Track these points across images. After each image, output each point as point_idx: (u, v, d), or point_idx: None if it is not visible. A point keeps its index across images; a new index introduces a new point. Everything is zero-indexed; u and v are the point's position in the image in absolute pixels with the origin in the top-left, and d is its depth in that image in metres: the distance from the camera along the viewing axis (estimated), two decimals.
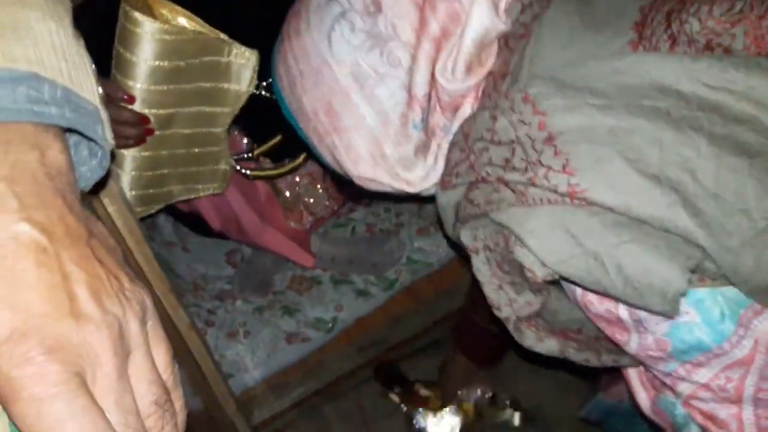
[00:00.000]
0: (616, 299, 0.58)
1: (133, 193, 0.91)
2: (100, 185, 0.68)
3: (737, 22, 0.54)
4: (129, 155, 0.87)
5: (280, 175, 1.19)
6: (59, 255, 0.30)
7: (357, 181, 0.70)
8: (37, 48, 0.34)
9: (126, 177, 0.89)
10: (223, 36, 0.84)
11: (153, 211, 0.98)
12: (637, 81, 0.55)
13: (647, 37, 0.57)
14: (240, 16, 1.03)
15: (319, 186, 1.32)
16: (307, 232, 1.39)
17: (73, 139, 0.38)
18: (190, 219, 1.29)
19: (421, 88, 0.64)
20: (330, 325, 1.31)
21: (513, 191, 0.58)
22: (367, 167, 0.67)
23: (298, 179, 1.29)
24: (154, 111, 0.83)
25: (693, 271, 0.54)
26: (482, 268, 0.65)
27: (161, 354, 0.34)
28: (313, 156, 0.74)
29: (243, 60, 0.86)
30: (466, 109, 0.66)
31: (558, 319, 0.67)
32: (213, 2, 0.93)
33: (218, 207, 1.22)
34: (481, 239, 0.64)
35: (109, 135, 0.37)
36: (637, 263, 0.54)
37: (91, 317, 0.29)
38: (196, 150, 0.94)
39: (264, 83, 0.92)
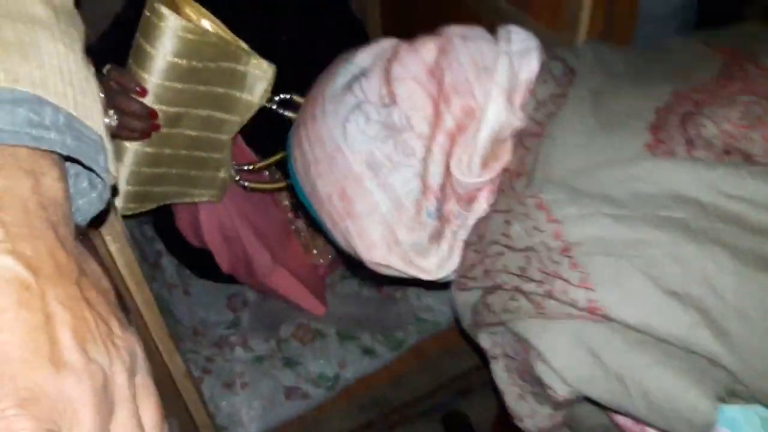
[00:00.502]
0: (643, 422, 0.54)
1: (129, 188, 0.90)
2: (100, 220, 0.66)
3: (754, 126, 0.53)
4: (131, 149, 0.86)
5: (277, 190, 1.18)
6: (44, 293, 0.27)
7: (370, 266, 0.70)
8: (42, 69, 0.32)
9: (124, 170, 0.88)
10: (244, 45, 0.85)
11: (144, 209, 0.96)
12: (653, 189, 0.54)
13: (663, 140, 0.55)
14: (265, 32, 1.04)
15: None
16: (325, 270, 1.35)
17: (73, 169, 0.35)
18: (197, 258, 1.26)
19: (435, 179, 0.64)
20: (331, 382, 1.25)
21: (531, 302, 0.57)
22: (380, 253, 0.67)
23: None
24: (164, 107, 0.83)
25: (722, 398, 0.50)
26: (502, 376, 0.63)
27: (150, 412, 0.30)
28: (326, 237, 0.74)
29: (259, 72, 0.87)
30: (482, 203, 0.66)
31: (584, 426, 0.64)
32: (242, 16, 0.95)
33: (229, 243, 1.19)
34: (500, 345, 0.62)
35: (112, 167, 0.35)
36: (662, 388, 0.51)
37: (73, 366, 0.26)
38: (199, 153, 0.94)
39: (276, 98, 0.93)
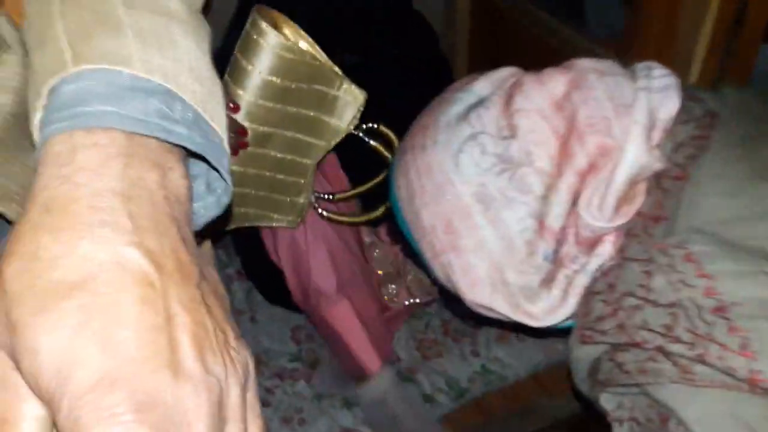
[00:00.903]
0: None
1: None
2: (214, 232, 0.66)
3: None
4: None
5: (354, 224, 1.15)
6: (167, 292, 0.24)
7: (470, 306, 0.66)
8: (175, 64, 0.31)
9: None
10: (337, 69, 0.85)
11: (224, 228, 0.95)
12: None
13: None
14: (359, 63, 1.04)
15: None
16: (397, 315, 1.29)
17: (191, 171, 0.34)
18: (272, 280, 1.22)
19: (558, 221, 0.60)
20: None
21: (676, 365, 0.52)
22: (484, 293, 0.64)
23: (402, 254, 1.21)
24: (254, 125, 0.83)
25: None
26: None
27: None
28: (422, 267, 0.72)
29: (350, 97, 0.87)
30: (607, 247, 0.62)
31: None
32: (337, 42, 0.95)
33: (298, 261, 1.14)
34: (627, 409, 0.57)
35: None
36: None
37: (191, 375, 0.23)
38: (283, 177, 0.94)
39: (364, 126, 0.92)
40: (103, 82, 0.28)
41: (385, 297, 1.29)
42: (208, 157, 0.31)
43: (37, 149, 0.28)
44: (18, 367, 0.23)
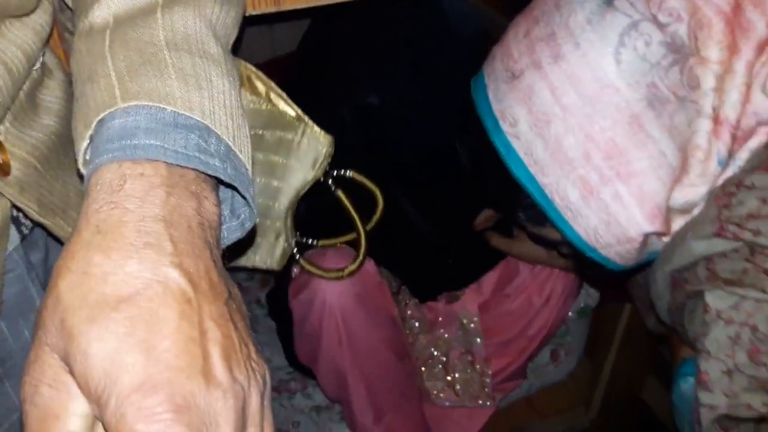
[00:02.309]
0: None
1: None
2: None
3: None
4: None
5: (324, 278, 1.05)
6: (201, 309, 0.28)
7: (639, 243, 0.56)
8: (212, 101, 0.34)
9: None
10: (304, 116, 0.83)
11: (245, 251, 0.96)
12: None
13: None
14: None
15: (478, 366, 1.17)
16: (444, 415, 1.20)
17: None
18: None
19: (734, 110, 0.52)
20: None
21: None
22: (662, 219, 0.54)
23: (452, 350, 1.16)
24: None
25: None
26: (723, 341, 0.52)
27: None
28: (544, 242, 0.61)
29: (315, 143, 0.86)
30: (760, 139, 0.54)
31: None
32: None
33: (335, 372, 1.09)
34: (745, 313, 0.51)
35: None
36: None
37: (221, 382, 0.27)
38: (258, 220, 0.93)
39: (334, 173, 0.89)
40: (149, 117, 0.32)
41: (430, 391, 1.20)
42: (238, 187, 0.34)
43: (87, 175, 0.31)
44: (70, 370, 0.26)
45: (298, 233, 0.98)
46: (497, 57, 0.62)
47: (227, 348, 0.28)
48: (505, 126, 0.59)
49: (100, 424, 0.27)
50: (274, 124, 0.83)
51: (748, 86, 0.52)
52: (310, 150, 0.86)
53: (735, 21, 0.51)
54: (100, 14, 0.37)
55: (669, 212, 0.55)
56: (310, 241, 1.02)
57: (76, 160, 0.34)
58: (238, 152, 0.35)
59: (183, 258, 0.28)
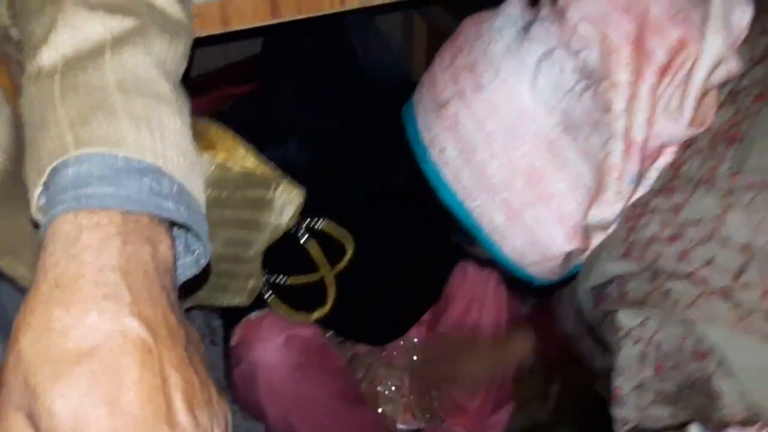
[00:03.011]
0: None
1: None
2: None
3: None
4: None
5: (292, 316, 1.05)
6: (161, 357, 0.29)
7: (555, 262, 0.59)
8: (164, 142, 0.35)
9: None
10: (274, 172, 0.83)
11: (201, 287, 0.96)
12: None
13: None
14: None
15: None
16: None
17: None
18: None
19: (640, 131, 0.54)
20: None
21: (736, 311, 0.48)
22: (581, 237, 0.56)
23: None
24: None
25: None
26: (632, 357, 0.54)
27: None
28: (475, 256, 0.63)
29: (288, 197, 0.86)
30: (666, 159, 0.57)
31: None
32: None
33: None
34: (651, 330, 0.53)
35: None
36: None
37: (185, 428, 0.28)
38: (227, 266, 0.93)
39: (305, 223, 0.91)
40: (101, 164, 0.32)
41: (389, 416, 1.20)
42: (192, 226, 0.35)
43: (43, 225, 0.32)
44: (37, 428, 0.27)
45: (266, 270, 0.99)
46: (425, 86, 0.64)
47: (189, 393, 0.29)
48: (434, 154, 0.60)
49: None
50: (245, 183, 0.83)
51: (653, 109, 0.54)
52: (280, 204, 0.87)
53: (639, 47, 0.54)
54: (48, 56, 0.36)
55: (588, 230, 0.57)
56: (278, 279, 1.02)
57: (27, 201, 0.34)
58: (191, 190, 0.36)
59: (141, 306, 0.29)
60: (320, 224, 0.94)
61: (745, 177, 0.50)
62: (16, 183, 0.44)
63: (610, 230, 0.58)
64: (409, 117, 0.65)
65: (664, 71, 0.54)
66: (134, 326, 0.28)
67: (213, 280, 0.94)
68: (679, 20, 0.54)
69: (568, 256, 0.59)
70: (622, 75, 0.53)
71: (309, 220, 0.91)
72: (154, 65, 0.38)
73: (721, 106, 0.56)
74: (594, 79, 0.54)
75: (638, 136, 0.54)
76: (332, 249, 0.97)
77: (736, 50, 0.56)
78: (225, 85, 1.31)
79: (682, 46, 0.54)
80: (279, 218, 0.86)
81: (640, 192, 0.57)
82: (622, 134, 0.54)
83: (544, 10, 0.56)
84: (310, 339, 1.04)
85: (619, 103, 0.53)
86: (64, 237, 0.30)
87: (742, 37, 0.56)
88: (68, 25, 0.37)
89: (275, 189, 0.85)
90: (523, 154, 0.55)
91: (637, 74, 0.53)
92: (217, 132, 0.78)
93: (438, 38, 1.54)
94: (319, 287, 1.01)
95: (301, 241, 0.94)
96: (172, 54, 0.41)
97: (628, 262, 0.55)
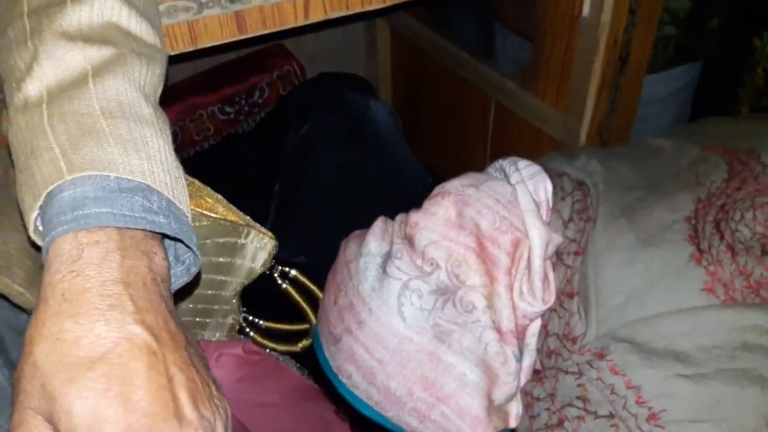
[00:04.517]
0: None
1: None
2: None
3: None
4: None
5: (276, 351, 1.08)
6: (165, 358, 0.32)
7: None
8: (150, 161, 0.37)
9: None
10: (245, 220, 0.85)
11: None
12: (719, 340, 0.54)
13: (706, 249, 0.57)
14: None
15: None
16: None
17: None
18: None
19: (508, 321, 0.63)
20: None
21: None
22: (485, 424, 0.63)
23: None
24: None
25: None
26: None
27: None
28: None
29: (260, 243, 0.87)
30: (537, 323, 0.65)
31: None
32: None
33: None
34: None
35: None
36: None
37: (191, 421, 0.31)
38: (203, 306, 0.95)
39: (279, 267, 0.95)
40: (95, 186, 0.35)
41: None
42: (182, 238, 0.38)
43: (45, 247, 0.34)
44: (55, 428, 0.29)
45: (245, 309, 1.00)
46: (322, 321, 0.73)
47: (193, 390, 0.32)
48: (343, 379, 0.69)
49: None
50: (218, 233, 0.84)
51: (512, 302, 0.63)
52: (253, 249, 0.88)
53: (483, 255, 0.63)
54: (33, 88, 0.39)
55: (497, 411, 0.65)
56: (257, 320, 1.04)
57: (22, 221, 0.36)
58: (178, 204, 0.38)
59: (144, 314, 0.32)
60: (292, 274, 0.98)
61: (593, 353, 0.58)
62: (3, 205, 0.46)
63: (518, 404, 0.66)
64: (317, 345, 0.74)
65: (510, 270, 0.64)
66: (139, 332, 0.31)
67: (190, 320, 0.96)
68: (505, 228, 0.64)
69: None
70: (476, 278, 0.63)
71: (282, 267, 0.96)
72: (134, 90, 0.40)
73: (555, 268, 0.65)
74: (450, 292, 0.63)
75: (508, 324, 0.63)
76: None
77: (550, 219, 0.67)
78: (192, 95, 1.34)
79: (516, 247, 0.64)
80: (253, 262, 0.88)
81: (528, 359, 0.65)
82: (491, 325, 0.62)
83: (396, 245, 0.66)
84: (243, 354, 1.05)
85: (479, 302, 0.62)
86: (67, 255, 0.32)
87: (551, 205, 0.67)
88: (50, 57, 0.39)
89: (246, 236, 0.87)
90: (412, 370, 0.63)
91: (490, 277, 0.63)
92: (193, 184, 0.80)
93: (401, 40, 1.59)
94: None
95: (281, 288, 0.98)
96: (150, 77, 0.43)
97: None
